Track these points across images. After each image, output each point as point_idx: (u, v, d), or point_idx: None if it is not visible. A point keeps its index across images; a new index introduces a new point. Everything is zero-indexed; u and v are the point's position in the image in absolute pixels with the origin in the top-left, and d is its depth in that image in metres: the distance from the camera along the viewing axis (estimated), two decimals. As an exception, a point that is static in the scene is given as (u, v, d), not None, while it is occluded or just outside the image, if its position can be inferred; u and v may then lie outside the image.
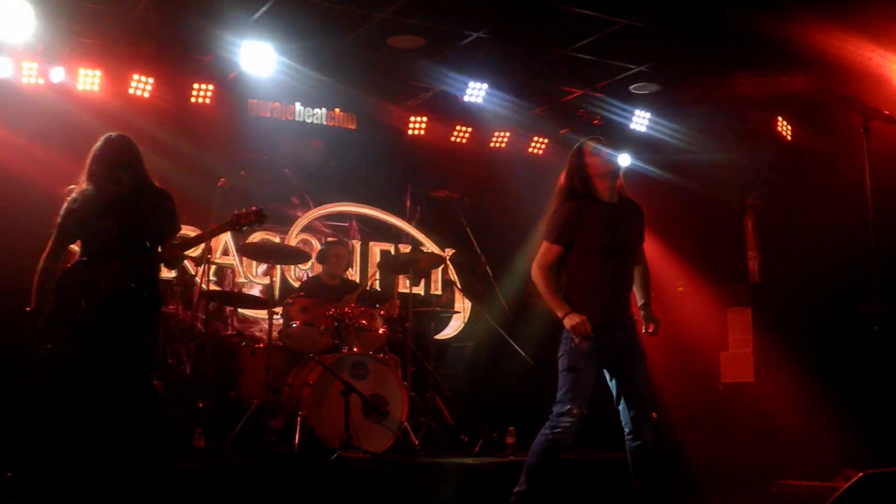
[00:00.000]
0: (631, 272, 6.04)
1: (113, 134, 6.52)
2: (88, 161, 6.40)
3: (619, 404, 5.93)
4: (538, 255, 5.94)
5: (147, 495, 6.35)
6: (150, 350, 6.62)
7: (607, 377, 5.94)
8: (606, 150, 6.02)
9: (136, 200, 6.37)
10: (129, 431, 6.27)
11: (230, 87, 10.28)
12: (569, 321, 5.70)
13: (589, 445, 8.66)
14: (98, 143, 6.45)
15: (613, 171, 6.03)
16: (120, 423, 6.22)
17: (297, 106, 10.95)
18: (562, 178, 6.12)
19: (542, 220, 6.07)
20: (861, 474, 3.73)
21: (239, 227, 6.81)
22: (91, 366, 6.15)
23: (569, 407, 5.72)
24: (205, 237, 7.10)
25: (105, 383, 6.14)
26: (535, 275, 5.93)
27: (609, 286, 5.82)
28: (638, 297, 6.15)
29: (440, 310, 11.17)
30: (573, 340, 5.78)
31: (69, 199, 6.40)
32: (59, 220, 6.37)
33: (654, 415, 6.15)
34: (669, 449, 8.96)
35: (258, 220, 6.75)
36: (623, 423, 5.94)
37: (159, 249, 6.42)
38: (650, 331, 6.04)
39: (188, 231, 10.19)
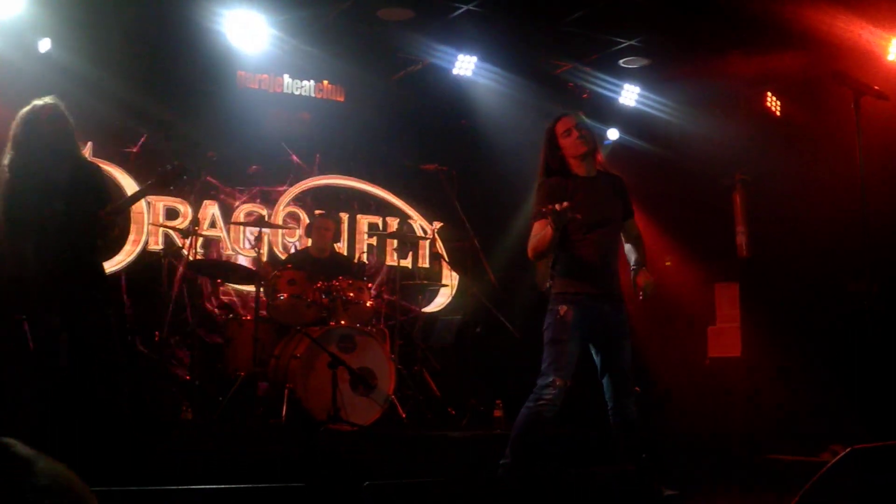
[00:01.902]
0: (616, 246, 6.01)
1: (46, 104, 6.51)
2: (19, 133, 6.40)
3: (602, 378, 5.94)
4: (530, 238, 5.86)
5: (134, 468, 6.35)
6: (105, 316, 6.75)
7: (592, 351, 5.94)
8: (578, 132, 5.96)
9: (74, 176, 6.48)
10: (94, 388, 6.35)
11: (218, 59, 10.22)
12: (552, 216, 5.39)
13: (574, 419, 8.67)
14: (31, 116, 6.42)
15: (587, 152, 5.97)
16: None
17: (286, 78, 10.91)
18: (540, 156, 6.08)
19: (529, 197, 6.03)
20: (849, 449, 3.73)
21: (166, 184, 6.94)
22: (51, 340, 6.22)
23: (552, 378, 5.71)
24: (134, 198, 7.22)
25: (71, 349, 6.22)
26: (530, 247, 5.84)
27: (594, 260, 5.80)
28: (631, 263, 6.11)
29: (427, 283, 11.17)
30: (558, 312, 5.78)
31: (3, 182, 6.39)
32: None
33: (637, 388, 6.16)
34: (655, 423, 8.99)
35: (182, 173, 6.91)
36: (606, 398, 5.95)
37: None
38: (640, 297, 5.99)
39: (175, 204, 10.23)
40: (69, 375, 6.28)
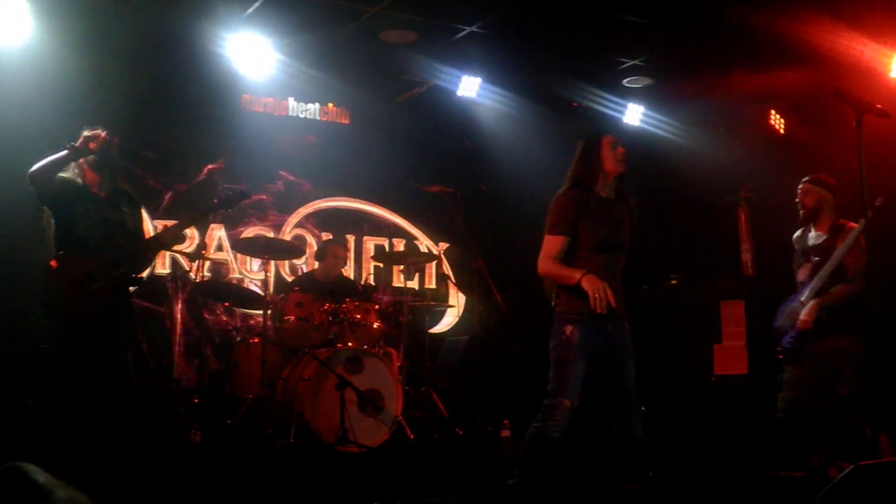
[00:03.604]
0: (620, 268, 6.02)
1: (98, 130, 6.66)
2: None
3: (607, 398, 5.94)
4: (542, 250, 5.84)
5: (143, 492, 6.38)
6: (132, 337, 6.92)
7: (597, 370, 5.94)
8: (623, 149, 6.01)
9: (116, 192, 6.72)
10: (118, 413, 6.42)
11: (223, 83, 10.27)
12: (588, 283, 5.56)
13: (580, 437, 8.66)
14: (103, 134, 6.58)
15: (623, 173, 6.00)
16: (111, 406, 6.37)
17: (291, 101, 10.97)
18: (572, 166, 6.06)
19: (541, 213, 6.04)
20: (854, 466, 3.75)
21: (229, 205, 7.08)
22: (85, 354, 6.28)
23: (560, 399, 5.70)
24: (197, 218, 7.31)
25: (96, 370, 6.28)
26: (543, 266, 5.82)
27: (601, 279, 5.78)
28: None
29: (434, 304, 11.18)
30: (564, 332, 5.77)
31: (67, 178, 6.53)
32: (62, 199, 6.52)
33: (642, 407, 6.16)
34: (661, 441, 8.98)
35: (242, 197, 7.21)
36: (612, 417, 5.95)
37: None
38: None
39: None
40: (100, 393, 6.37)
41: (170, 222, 10.03)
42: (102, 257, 6.39)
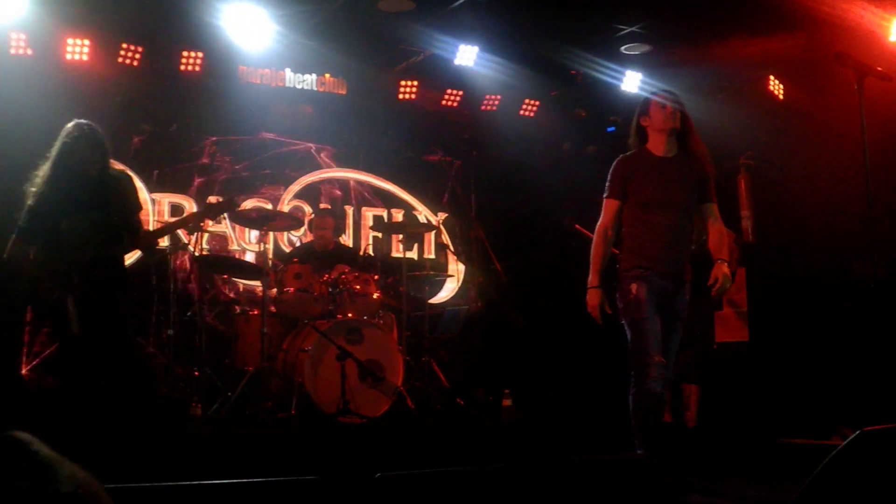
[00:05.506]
0: (687, 227, 6.10)
1: (82, 126, 6.64)
2: (55, 149, 6.52)
3: None
4: (601, 215, 6.07)
5: (144, 464, 6.36)
6: (124, 327, 6.88)
7: None
8: (673, 107, 6.09)
9: (102, 190, 6.65)
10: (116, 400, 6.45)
11: (220, 55, 10.22)
12: (587, 297, 5.92)
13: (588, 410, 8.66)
14: (67, 136, 6.56)
15: (671, 129, 6.11)
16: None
17: (288, 72, 10.90)
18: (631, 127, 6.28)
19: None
20: (859, 431, 3.73)
21: (214, 215, 7.15)
22: (71, 352, 6.33)
23: (647, 355, 5.81)
24: (178, 224, 7.39)
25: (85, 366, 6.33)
26: (595, 237, 6.05)
27: (661, 239, 5.90)
28: (713, 254, 6.20)
29: (434, 273, 11.16)
30: (630, 292, 5.89)
31: (34, 194, 6.53)
32: (22, 222, 6.53)
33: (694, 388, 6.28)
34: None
35: (231, 206, 7.16)
36: None
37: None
38: (711, 285, 6.07)
39: (180, 200, 10.23)
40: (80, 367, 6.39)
41: (164, 195, 10.08)
42: (81, 255, 6.41)
